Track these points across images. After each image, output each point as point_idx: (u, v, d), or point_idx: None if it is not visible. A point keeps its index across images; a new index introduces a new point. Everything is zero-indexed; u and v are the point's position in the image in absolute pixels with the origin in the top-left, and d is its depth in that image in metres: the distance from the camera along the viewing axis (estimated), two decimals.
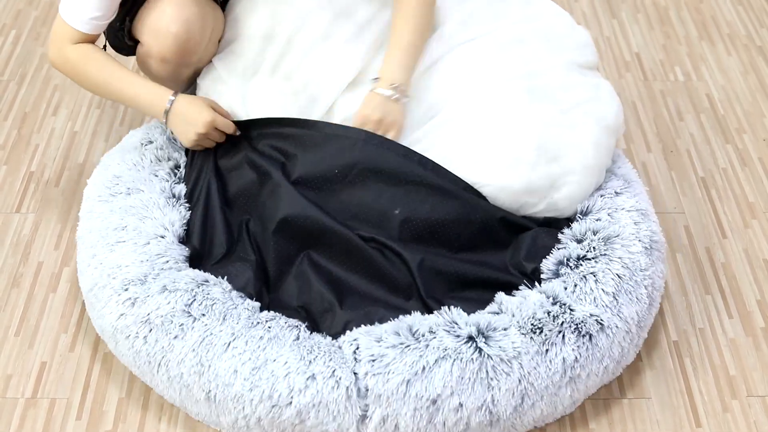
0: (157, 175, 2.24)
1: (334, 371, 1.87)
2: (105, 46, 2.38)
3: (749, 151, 2.66)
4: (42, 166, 2.59)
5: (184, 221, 2.15)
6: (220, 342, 1.91)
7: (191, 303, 1.96)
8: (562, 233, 2.13)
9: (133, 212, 2.14)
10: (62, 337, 2.18)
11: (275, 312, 2.00)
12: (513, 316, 1.95)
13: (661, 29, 3.10)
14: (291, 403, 1.87)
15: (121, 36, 2.28)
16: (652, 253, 2.11)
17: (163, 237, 2.09)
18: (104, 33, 2.31)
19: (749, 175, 2.58)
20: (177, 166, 2.29)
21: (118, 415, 2.03)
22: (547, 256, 2.08)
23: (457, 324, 1.92)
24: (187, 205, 2.19)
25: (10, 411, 2.03)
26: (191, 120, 2.18)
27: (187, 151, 2.31)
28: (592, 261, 2.05)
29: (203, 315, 1.95)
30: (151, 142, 2.32)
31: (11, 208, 2.47)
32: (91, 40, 2.21)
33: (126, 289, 2.01)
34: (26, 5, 3.17)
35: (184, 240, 2.14)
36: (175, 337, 1.93)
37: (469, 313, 1.97)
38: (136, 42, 2.29)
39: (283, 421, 1.89)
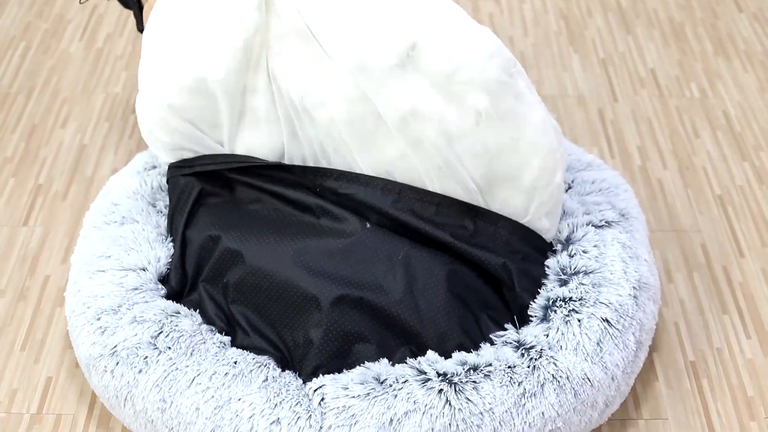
0: (155, 206, 2.20)
1: (299, 418, 1.80)
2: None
3: (767, 168, 2.62)
4: (50, 179, 2.57)
5: (169, 259, 2.09)
6: (185, 378, 1.86)
7: (158, 335, 1.91)
8: (547, 267, 2.05)
9: (120, 242, 2.09)
10: (68, 352, 2.15)
11: (244, 349, 1.93)
12: (490, 365, 1.86)
13: (676, 45, 3.07)
14: None
15: None
16: (641, 294, 2.02)
17: (144, 270, 2.03)
18: None
19: (767, 193, 2.55)
20: None
21: None
22: (536, 298, 1.99)
23: (426, 374, 1.84)
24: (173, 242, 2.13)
25: (15, 426, 2.00)
26: None
27: None
28: (578, 302, 1.96)
29: (169, 348, 1.89)
30: (154, 167, 2.28)
31: (19, 221, 2.45)
32: None
33: (98, 318, 1.96)
34: (36, 18, 3.15)
35: (165, 279, 2.07)
36: (140, 371, 1.88)
37: (445, 357, 1.89)
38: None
39: None
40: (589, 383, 1.87)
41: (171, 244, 2.11)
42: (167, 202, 2.21)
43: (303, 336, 1.93)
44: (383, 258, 1.97)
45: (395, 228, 2.02)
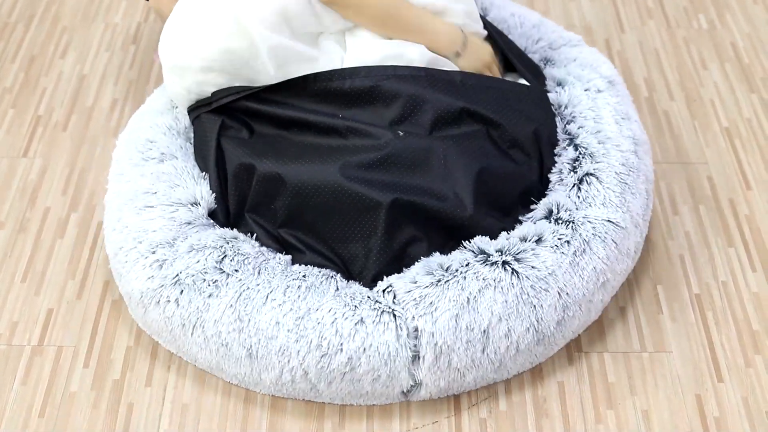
0: (191, 143, 2.17)
1: (381, 314, 1.85)
2: None
3: None
4: (50, 109, 2.55)
5: (214, 194, 2.06)
6: (258, 296, 1.87)
7: (222, 259, 1.91)
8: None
9: (165, 179, 2.06)
10: (69, 283, 2.14)
11: (307, 265, 1.96)
12: (534, 234, 1.96)
13: None
14: (341, 350, 1.83)
15: None
16: (639, 149, 2.14)
17: (195, 205, 2.02)
18: None
19: None
20: None
21: (126, 364, 2.00)
22: (556, 162, 2.10)
23: (486, 253, 1.91)
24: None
25: (16, 358, 2.00)
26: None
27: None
28: (587, 161, 2.07)
29: (236, 270, 1.90)
30: (176, 108, 2.24)
31: (18, 152, 2.43)
32: None
33: (153, 252, 1.95)
34: None
35: (212, 214, 2.06)
36: (210, 296, 1.88)
37: (492, 238, 1.97)
38: None
39: (332, 371, 1.85)
40: (623, 231, 2.00)
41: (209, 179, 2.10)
42: None
43: (361, 246, 1.96)
44: (423, 161, 1.99)
45: (424, 131, 2.05)
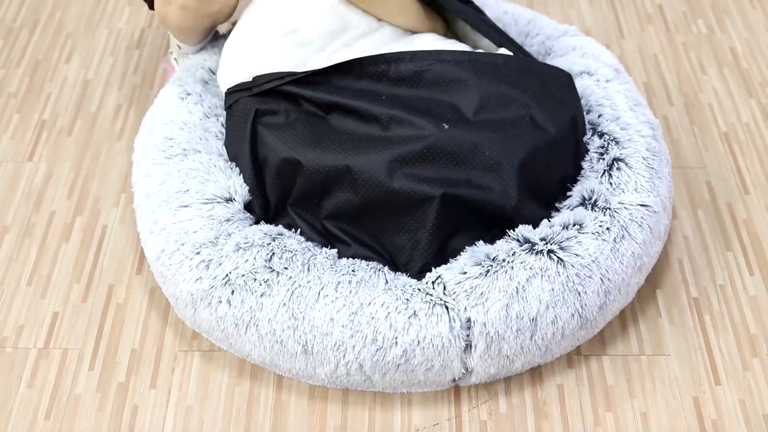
0: (209, 131, 2.17)
1: (434, 306, 1.87)
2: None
3: None
4: (54, 114, 2.57)
5: (247, 186, 2.08)
6: (311, 293, 1.89)
7: (270, 258, 1.93)
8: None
9: (193, 175, 2.07)
10: (75, 287, 2.16)
11: (353, 258, 1.98)
12: (575, 217, 2.00)
13: None
14: (396, 343, 1.86)
15: None
16: (655, 133, 2.20)
17: (231, 200, 2.03)
18: None
19: None
20: (224, 124, 2.22)
21: (131, 366, 2.01)
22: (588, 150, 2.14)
23: (531, 242, 1.95)
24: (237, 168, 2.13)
25: (22, 361, 2.02)
26: None
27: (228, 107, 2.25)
28: (614, 147, 2.12)
29: (286, 268, 1.92)
30: (189, 94, 2.25)
31: (23, 156, 2.45)
32: None
33: (198, 253, 1.96)
34: None
35: (248, 206, 2.07)
36: (262, 295, 1.90)
37: (534, 227, 2.00)
38: None
39: (387, 363, 1.88)
40: (655, 214, 2.05)
41: (238, 170, 2.10)
42: (219, 129, 2.20)
43: (408, 238, 1.98)
44: (468, 153, 1.99)
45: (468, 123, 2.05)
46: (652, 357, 2.05)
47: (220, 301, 1.92)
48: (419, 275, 1.96)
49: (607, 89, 2.24)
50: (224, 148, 2.15)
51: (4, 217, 2.30)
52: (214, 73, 2.33)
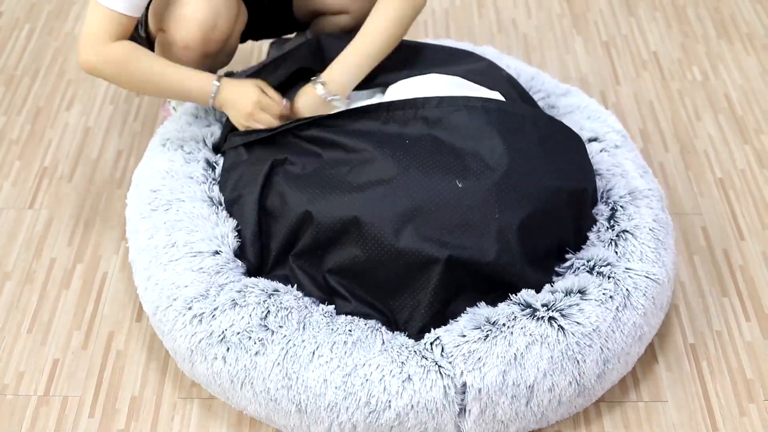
0: (192, 178, 2.17)
1: (428, 371, 1.86)
2: None
3: None
4: (56, 161, 2.59)
5: (236, 233, 2.07)
6: (305, 352, 1.88)
7: (266, 316, 1.92)
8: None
9: (179, 226, 2.07)
10: (75, 334, 2.17)
11: (351, 316, 1.97)
12: (579, 282, 1.99)
13: (679, 28, 3.08)
14: (390, 406, 1.85)
15: (138, 27, 2.27)
16: (663, 203, 2.21)
17: (218, 253, 2.02)
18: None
19: None
20: (210, 164, 2.22)
21: (131, 414, 2.02)
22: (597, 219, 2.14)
23: (532, 307, 1.94)
24: (227, 212, 2.11)
25: (22, 408, 2.03)
26: (238, 99, 2.15)
27: (215, 148, 2.26)
28: (623, 218, 2.12)
29: (281, 327, 1.91)
30: (168, 140, 2.26)
31: (24, 203, 2.47)
32: (129, 29, 2.10)
33: (189, 308, 1.96)
34: None
35: (239, 253, 2.06)
36: (257, 354, 1.89)
37: (537, 291, 1.99)
38: (147, 34, 2.28)
39: (380, 425, 1.87)
40: (659, 285, 2.04)
41: (225, 213, 2.09)
42: (201, 172, 2.19)
43: (410, 298, 1.97)
44: (476, 218, 1.97)
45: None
46: (650, 403, 2.05)
47: (216, 358, 1.92)
48: (418, 335, 1.95)
49: (616, 156, 2.25)
50: (210, 190, 2.14)
51: (5, 263, 2.31)
52: (196, 117, 2.35)
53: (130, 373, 2.09)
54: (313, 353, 1.88)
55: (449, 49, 2.35)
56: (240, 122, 2.17)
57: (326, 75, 2.19)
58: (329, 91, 2.18)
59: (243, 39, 2.51)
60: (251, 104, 2.14)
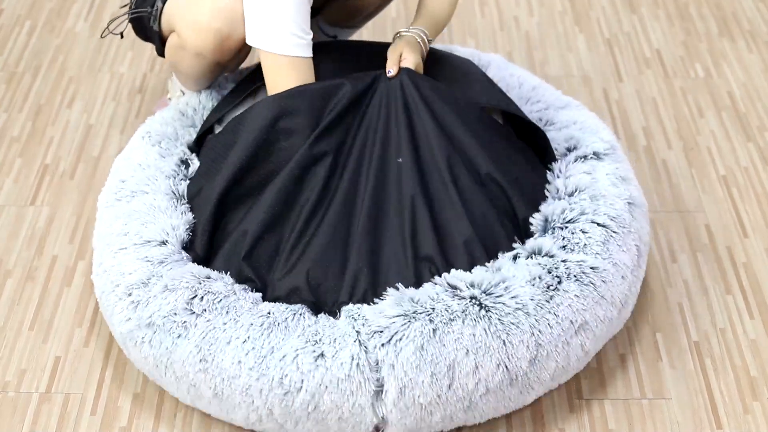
0: (162, 171, 2.17)
1: (341, 348, 1.84)
2: (122, 34, 2.37)
3: None
4: (57, 158, 2.58)
5: (188, 225, 2.08)
6: (223, 335, 1.87)
7: (192, 299, 1.92)
8: (546, 190, 2.17)
9: (135, 216, 2.08)
10: (77, 331, 2.16)
11: (277, 302, 1.96)
12: (509, 271, 1.96)
13: (681, 25, 3.07)
14: (302, 387, 1.83)
15: (151, 19, 2.25)
16: (635, 209, 2.13)
17: (164, 243, 2.03)
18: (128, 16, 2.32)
19: None
20: (183, 161, 2.22)
21: (133, 411, 2.02)
22: (535, 214, 2.10)
23: (457, 288, 1.92)
24: (188, 206, 2.12)
25: (24, 406, 2.02)
26: None
27: (191, 149, 2.26)
28: (580, 218, 2.07)
29: (205, 311, 1.91)
30: (148, 133, 2.26)
31: (26, 200, 2.46)
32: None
33: (129, 294, 1.97)
34: None
35: (188, 246, 2.07)
36: (179, 336, 1.90)
37: (465, 270, 1.98)
38: (161, 30, 2.27)
39: (296, 410, 1.85)
40: (602, 276, 1.98)
41: (186, 207, 2.10)
42: (173, 167, 2.19)
43: (332, 275, 1.99)
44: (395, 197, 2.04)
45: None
46: (654, 400, 2.05)
47: (144, 342, 1.93)
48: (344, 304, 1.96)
49: (594, 167, 2.19)
50: (175, 185, 2.15)
51: (6, 261, 2.31)
52: (183, 114, 2.35)
53: (132, 371, 2.08)
54: (231, 336, 1.87)
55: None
56: None
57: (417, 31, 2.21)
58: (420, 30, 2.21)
59: None
60: None
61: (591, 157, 2.22)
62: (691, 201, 2.48)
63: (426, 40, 2.20)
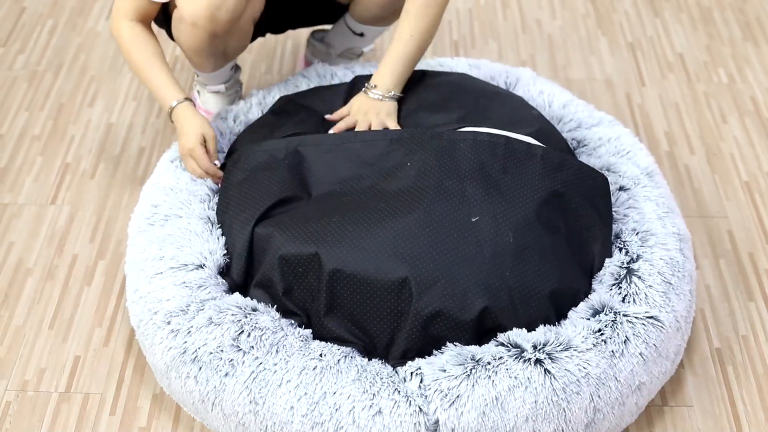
0: (196, 195, 2.14)
1: (400, 405, 1.79)
2: None
3: None
4: (78, 157, 2.58)
5: (225, 250, 2.03)
6: (274, 377, 1.83)
7: (239, 335, 1.87)
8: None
9: (170, 241, 2.04)
10: (97, 331, 2.16)
11: (327, 342, 1.90)
12: (575, 327, 1.89)
13: (704, 30, 3.06)
14: None
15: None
16: (684, 247, 2.09)
17: (201, 267, 1.99)
18: None
19: None
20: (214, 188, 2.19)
21: (152, 412, 2.01)
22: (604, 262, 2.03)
23: (521, 347, 1.86)
24: (221, 231, 2.07)
25: (43, 405, 2.02)
26: (181, 133, 2.19)
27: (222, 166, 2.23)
28: (636, 261, 2.01)
29: (252, 347, 1.86)
30: (178, 158, 2.24)
31: (46, 199, 2.46)
32: (150, 14, 2.25)
33: (168, 322, 1.93)
34: None
35: (224, 270, 2.02)
36: (226, 375, 1.85)
37: (529, 330, 1.89)
38: (167, 8, 2.31)
39: None
40: (664, 332, 1.93)
41: (219, 230, 2.06)
42: (206, 192, 2.15)
43: (389, 322, 1.89)
44: (462, 233, 1.93)
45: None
46: (675, 408, 2.04)
47: (188, 377, 1.88)
48: (401, 360, 1.88)
49: (636, 196, 2.15)
50: (209, 209, 2.11)
51: (27, 259, 2.31)
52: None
53: (152, 371, 2.08)
54: (282, 378, 1.83)
55: (481, 88, 2.31)
56: (179, 150, 2.22)
57: (375, 79, 2.23)
58: (384, 90, 2.22)
59: (263, 32, 2.51)
60: (184, 148, 2.18)
61: (629, 187, 2.17)
62: (713, 207, 2.47)
63: (395, 98, 2.24)
